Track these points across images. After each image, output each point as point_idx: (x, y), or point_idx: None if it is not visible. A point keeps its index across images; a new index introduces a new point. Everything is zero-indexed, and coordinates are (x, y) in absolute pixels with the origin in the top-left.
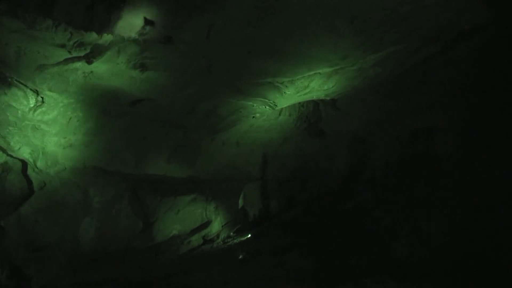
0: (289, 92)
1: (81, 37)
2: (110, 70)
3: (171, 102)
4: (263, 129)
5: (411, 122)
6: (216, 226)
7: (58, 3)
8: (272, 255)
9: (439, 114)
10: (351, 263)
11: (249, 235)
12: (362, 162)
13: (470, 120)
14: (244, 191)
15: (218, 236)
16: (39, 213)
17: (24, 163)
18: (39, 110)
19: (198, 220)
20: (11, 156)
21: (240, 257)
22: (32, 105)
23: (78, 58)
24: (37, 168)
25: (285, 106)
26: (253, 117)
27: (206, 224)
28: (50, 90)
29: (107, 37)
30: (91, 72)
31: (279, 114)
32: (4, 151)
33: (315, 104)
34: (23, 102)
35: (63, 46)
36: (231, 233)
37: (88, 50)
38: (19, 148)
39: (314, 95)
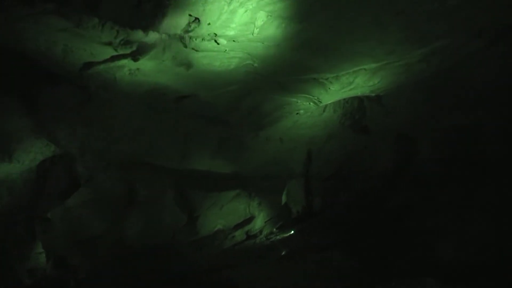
0: (333, 88)
1: (127, 35)
2: (155, 67)
3: (215, 99)
4: (307, 125)
5: (456, 118)
6: (259, 222)
7: (105, 2)
8: (315, 252)
9: (484, 111)
10: (394, 263)
11: (292, 232)
12: (406, 159)
13: None
14: (288, 187)
15: (261, 232)
16: (85, 206)
17: (71, 157)
18: (86, 106)
19: (242, 216)
20: (59, 150)
21: (283, 253)
22: (79, 102)
23: (124, 56)
24: (83, 162)
25: (329, 102)
26: (297, 113)
27: (250, 219)
28: (97, 86)
29: (153, 35)
30: (137, 69)
31: (324, 111)
32: (52, 145)
33: (360, 100)
34: (70, 98)
35: (109, 44)
36: (274, 229)
37: (134, 48)
38: (67, 143)
39: (359, 91)
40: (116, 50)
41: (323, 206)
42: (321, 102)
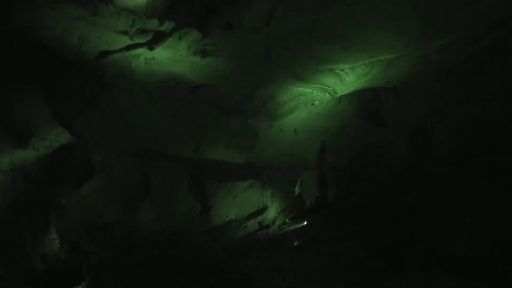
0: (349, 79)
1: (143, 24)
2: (171, 56)
3: (230, 88)
4: (322, 116)
5: (473, 112)
6: (272, 212)
7: None
8: (328, 244)
9: (501, 104)
10: (407, 256)
11: (305, 223)
12: (422, 152)
13: None
14: (301, 178)
15: (274, 222)
16: (99, 194)
17: (86, 145)
18: (101, 95)
19: (255, 206)
20: (74, 138)
21: (295, 244)
22: (94, 90)
23: (140, 45)
24: (99, 150)
25: (345, 93)
26: (312, 104)
27: (262, 210)
28: (112, 75)
29: (168, 24)
30: (153, 58)
31: (339, 102)
32: (67, 133)
33: (376, 92)
34: (86, 87)
35: (125, 32)
36: (287, 220)
37: (150, 37)
38: (82, 131)
39: (375, 83)
40: (132, 39)
41: (336, 197)
42: (336, 93)
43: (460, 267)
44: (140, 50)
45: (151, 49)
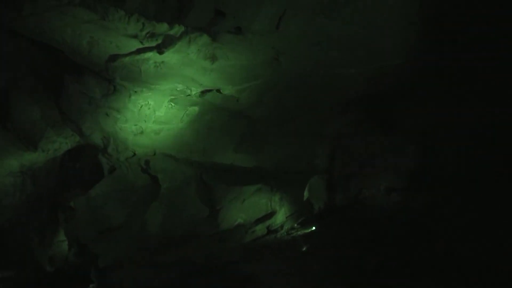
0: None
1: (153, 27)
2: (180, 60)
3: (239, 93)
4: (331, 121)
5: (484, 116)
6: (280, 217)
7: None
8: (336, 249)
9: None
10: (416, 262)
11: (314, 228)
12: (432, 158)
13: None
14: (310, 183)
15: (282, 227)
16: (108, 196)
17: (95, 148)
18: (111, 98)
19: (263, 210)
20: (83, 141)
21: (304, 249)
22: (104, 93)
23: (150, 48)
24: (107, 153)
25: (354, 97)
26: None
27: (271, 214)
28: (122, 79)
29: (178, 28)
30: (162, 62)
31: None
32: (77, 136)
33: (386, 96)
34: (95, 90)
35: (135, 36)
36: (295, 225)
37: (159, 41)
38: (91, 134)
39: (385, 87)
40: (141, 42)
41: (345, 203)
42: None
43: (469, 275)
44: (149, 54)
45: (160, 53)
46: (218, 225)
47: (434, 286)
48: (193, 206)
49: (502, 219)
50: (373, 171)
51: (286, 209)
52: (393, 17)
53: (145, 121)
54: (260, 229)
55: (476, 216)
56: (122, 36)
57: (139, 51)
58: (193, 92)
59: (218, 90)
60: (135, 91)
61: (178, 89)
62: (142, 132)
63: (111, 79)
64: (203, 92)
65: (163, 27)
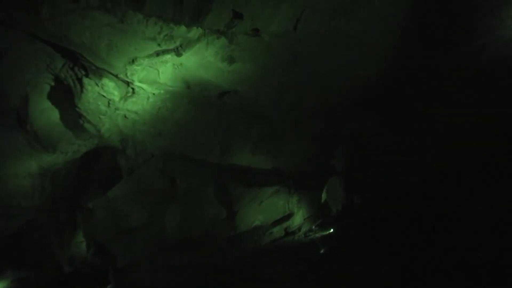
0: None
1: (171, 30)
2: (198, 62)
3: (256, 94)
4: (349, 121)
5: (504, 117)
6: (298, 218)
7: None
8: (354, 251)
9: None
10: (435, 264)
11: (331, 230)
12: (451, 160)
13: None
14: (328, 184)
15: (299, 229)
16: (126, 198)
17: (113, 150)
18: (129, 100)
19: (281, 212)
20: (101, 143)
21: (322, 251)
22: (122, 95)
23: (168, 51)
24: (126, 155)
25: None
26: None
27: (288, 216)
28: (140, 81)
29: (196, 31)
30: (180, 64)
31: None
32: (96, 138)
33: (403, 96)
34: (114, 92)
35: (153, 39)
36: (313, 227)
37: (177, 43)
38: (110, 136)
39: (402, 88)
40: (159, 45)
41: (363, 204)
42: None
43: (487, 278)
44: (167, 56)
45: (178, 55)
46: (236, 227)
47: None
48: (211, 208)
49: None
50: (391, 172)
51: (304, 211)
52: (410, 17)
53: (164, 123)
54: (278, 231)
55: (494, 219)
56: (140, 39)
57: (157, 53)
58: (211, 94)
59: (235, 92)
60: (153, 93)
61: (196, 91)
62: (160, 134)
63: (130, 81)
64: (221, 94)
65: (181, 30)
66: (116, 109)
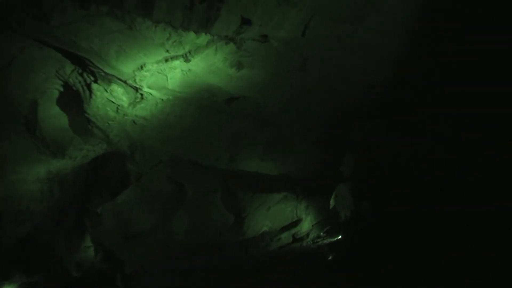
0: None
1: (180, 36)
2: (207, 68)
3: (265, 100)
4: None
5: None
6: (306, 225)
7: (158, 5)
8: (362, 258)
9: None
10: (446, 273)
11: (340, 237)
12: (462, 166)
13: None
14: (336, 191)
15: (308, 235)
16: (135, 203)
17: (122, 156)
18: (138, 106)
19: (289, 218)
20: (110, 148)
21: (330, 258)
22: (131, 101)
23: (177, 57)
24: (134, 160)
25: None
26: None
27: (296, 222)
28: (149, 87)
29: (204, 37)
30: (189, 70)
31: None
32: (104, 143)
33: (412, 103)
34: (123, 98)
35: (162, 45)
36: (321, 233)
37: (186, 49)
38: (118, 141)
39: (411, 94)
40: (168, 51)
41: (372, 211)
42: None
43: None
44: (176, 62)
45: (187, 61)
46: (244, 233)
47: None
48: (219, 214)
49: None
50: (400, 178)
51: (312, 217)
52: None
53: (172, 129)
54: (286, 237)
55: (505, 228)
56: (149, 45)
57: (166, 59)
58: (220, 100)
59: (244, 98)
60: (162, 99)
61: (204, 97)
62: (168, 140)
63: (139, 87)
64: (229, 100)
65: (189, 36)
66: (125, 114)
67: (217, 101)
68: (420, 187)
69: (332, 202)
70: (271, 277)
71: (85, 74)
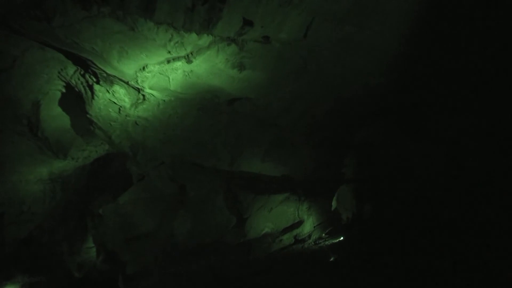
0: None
1: (182, 38)
2: (209, 69)
3: (267, 101)
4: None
5: None
6: (308, 226)
7: (160, 6)
8: (364, 260)
9: None
10: (445, 275)
11: (341, 238)
12: (461, 168)
13: None
14: (338, 192)
15: (309, 236)
16: (136, 204)
17: (124, 156)
18: (140, 107)
19: (290, 219)
20: (112, 149)
21: (331, 259)
22: (133, 102)
23: (179, 58)
24: (136, 161)
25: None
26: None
27: (298, 223)
28: (151, 88)
29: (206, 38)
30: (191, 71)
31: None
32: (106, 144)
33: (414, 105)
34: (125, 99)
35: (164, 46)
36: (323, 235)
37: (188, 50)
38: (120, 142)
39: (413, 96)
40: (170, 52)
41: (373, 212)
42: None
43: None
44: (178, 63)
45: (189, 62)
46: (245, 234)
47: None
48: (221, 215)
49: None
50: (401, 180)
51: (314, 218)
52: (423, 24)
53: (174, 130)
54: (288, 238)
55: (505, 229)
56: (151, 46)
57: (168, 60)
58: (221, 101)
59: (246, 99)
60: (164, 100)
61: (206, 98)
62: (170, 141)
63: (141, 88)
64: (231, 101)
65: (191, 37)
66: (127, 115)
67: (219, 102)
68: (421, 189)
69: (334, 204)
70: (274, 278)
71: (87, 75)
